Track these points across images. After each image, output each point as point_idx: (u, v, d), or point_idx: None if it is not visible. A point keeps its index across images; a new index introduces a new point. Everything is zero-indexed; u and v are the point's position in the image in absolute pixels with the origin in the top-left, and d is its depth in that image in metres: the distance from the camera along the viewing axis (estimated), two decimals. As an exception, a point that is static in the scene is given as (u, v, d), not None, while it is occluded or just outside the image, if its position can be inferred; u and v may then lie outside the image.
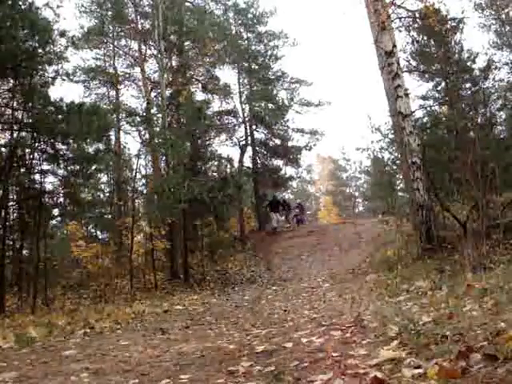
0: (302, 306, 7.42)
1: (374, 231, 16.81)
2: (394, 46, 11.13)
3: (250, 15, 25.58)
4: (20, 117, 14.67)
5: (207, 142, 23.06)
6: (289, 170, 27.48)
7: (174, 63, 23.42)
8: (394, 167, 20.21)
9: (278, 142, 26.11)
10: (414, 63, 18.20)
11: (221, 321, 6.56)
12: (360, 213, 46.97)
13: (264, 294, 10.82)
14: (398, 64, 11.11)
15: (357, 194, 52.02)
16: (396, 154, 17.56)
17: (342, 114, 78.01)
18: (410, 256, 10.37)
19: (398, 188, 24.00)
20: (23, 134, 14.83)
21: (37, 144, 15.08)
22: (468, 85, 18.28)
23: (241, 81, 25.78)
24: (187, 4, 24.19)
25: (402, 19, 12.91)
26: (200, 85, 24.75)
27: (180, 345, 4.19)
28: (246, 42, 25.64)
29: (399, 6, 11.59)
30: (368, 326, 3.59)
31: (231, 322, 6.19)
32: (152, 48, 22.68)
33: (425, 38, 17.52)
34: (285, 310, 6.97)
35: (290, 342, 3.43)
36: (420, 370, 2.23)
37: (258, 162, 25.55)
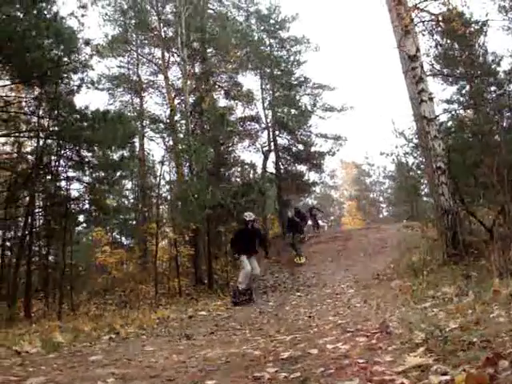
0: (326, 312, 7.39)
1: (398, 236, 16.68)
2: (418, 49, 11.06)
3: (272, 21, 25.67)
4: (46, 125, 14.90)
5: (230, 148, 23.14)
6: (312, 176, 27.38)
7: (197, 70, 23.58)
8: (419, 172, 20.05)
9: (301, 147, 26.03)
10: (437, 67, 18.03)
11: (245, 327, 6.56)
12: (384, 218, 46.60)
13: (288, 300, 10.80)
14: (422, 68, 11.03)
15: (381, 199, 51.68)
16: (420, 159, 17.40)
17: (366, 118, 77.67)
18: (435, 262, 10.26)
19: (423, 193, 23.80)
20: (49, 141, 15.05)
21: (62, 151, 15.30)
22: (493, 88, 18.07)
23: (263, 87, 25.84)
24: (209, 11, 24.36)
25: (425, 23, 12.82)
26: (223, 91, 24.87)
27: (205, 350, 4.20)
28: (269, 47, 25.70)
29: (422, 10, 11.51)
30: (394, 332, 3.56)
31: (256, 328, 6.18)
32: (175, 55, 22.86)
33: (448, 41, 17.36)
34: (309, 316, 6.94)
35: (315, 348, 3.42)
36: (447, 377, 2.21)
37: (282, 167, 25.51)
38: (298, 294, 11.98)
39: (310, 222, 24.88)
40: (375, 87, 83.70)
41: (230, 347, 4.30)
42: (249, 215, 12.61)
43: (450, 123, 17.15)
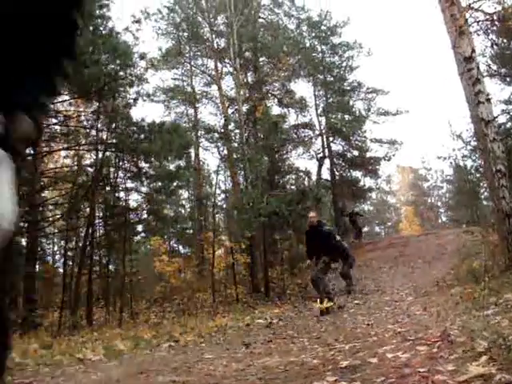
0: (385, 319, 7.27)
1: (458, 242, 16.27)
2: (473, 50, 10.79)
3: (323, 27, 25.55)
4: (104, 137, 15.31)
5: (284, 156, 23.17)
6: (368, 181, 27.11)
7: (249, 79, 23.77)
8: (478, 175, 19.55)
9: (355, 153, 25.79)
10: (494, 67, 17.55)
11: (303, 335, 6.52)
12: (443, 223, 45.52)
13: (346, 308, 10.68)
14: (478, 69, 10.76)
15: (439, 203, 50.46)
16: (479, 162, 16.94)
17: (421, 122, 76.31)
18: (497, 267, 9.95)
19: (483, 197, 23.18)
20: (108, 153, 15.46)
21: (121, 163, 15.71)
22: (553, 87, 17.47)
23: (316, 93, 25.76)
24: (261, 20, 24.54)
25: (480, 22, 12.50)
26: (276, 99, 24.94)
27: (263, 359, 4.21)
28: (321, 54, 25.59)
29: (476, 10, 11.24)
30: (455, 340, 3.48)
31: (313, 336, 6.14)
32: (228, 65, 23.11)
33: (505, 40, 16.88)
34: (368, 324, 6.84)
35: (374, 357, 3.37)
36: (511, 386, 2.14)
37: (336, 173, 25.34)
38: (356, 301, 11.82)
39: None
40: (431, 89, 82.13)
41: (289, 356, 4.29)
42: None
43: (509, 124, 16.65)
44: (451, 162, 27.05)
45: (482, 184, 20.07)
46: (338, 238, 11.63)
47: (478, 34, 14.03)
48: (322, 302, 9.66)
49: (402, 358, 3.21)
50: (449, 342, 3.46)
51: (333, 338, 5.46)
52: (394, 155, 25.69)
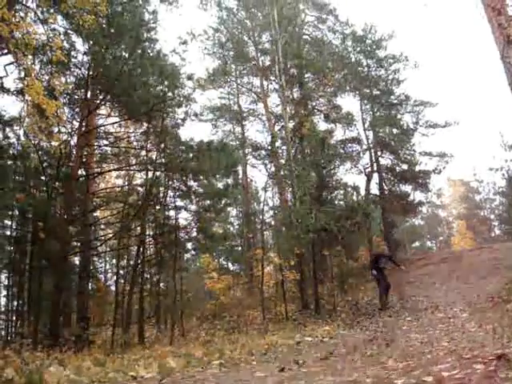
0: (439, 337, 7.10)
1: (513, 256, 15.81)
2: (524, 60, 10.56)
3: (368, 41, 25.38)
4: (154, 157, 15.60)
5: (332, 171, 23.01)
6: (418, 195, 26.63)
7: (295, 96, 23.84)
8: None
9: (404, 167, 25.38)
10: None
11: (355, 353, 6.42)
12: (497, 236, 44.21)
13: (398, 325, 10.48)
14: (530, 79, 10.51)
15: (492, 216, 49.10)
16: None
17: (472, 133, 74.52)
18: (556, 282, 9.63)
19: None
20: (157, 173, 15.73)
21: (170, 182, 15.95)
22: None
23: (363, 107, 25.56)
24: (305, 37, 24.64)
25: (530, 31, 12.22)
26: (322, 115, 24.88)
27: (316, 377, 4.17)
28: (366, 68, 25.42)
29: (525, 18, 11.00)
30: (513, 358, 3.37)
31: (366, 355, 6.04)
32: (273, 83, 23.31)
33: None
34: (421, 342, 6.70)
35: (429, 375, 3.30)
36: None
37: (385, 188, 25.01)
38: (408, 318, 11.59)
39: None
40: (480, 100, 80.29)
41: (341, 375, 4.24)
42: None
43: None
44: (503, 174, 26.38)
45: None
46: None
47: (528, 44, 13.72)
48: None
49: (457, 376, 3.13)
50: (506, 360, 3.36)
51: (386, 356, 5.36)
52: (444, 168, 25.13)
